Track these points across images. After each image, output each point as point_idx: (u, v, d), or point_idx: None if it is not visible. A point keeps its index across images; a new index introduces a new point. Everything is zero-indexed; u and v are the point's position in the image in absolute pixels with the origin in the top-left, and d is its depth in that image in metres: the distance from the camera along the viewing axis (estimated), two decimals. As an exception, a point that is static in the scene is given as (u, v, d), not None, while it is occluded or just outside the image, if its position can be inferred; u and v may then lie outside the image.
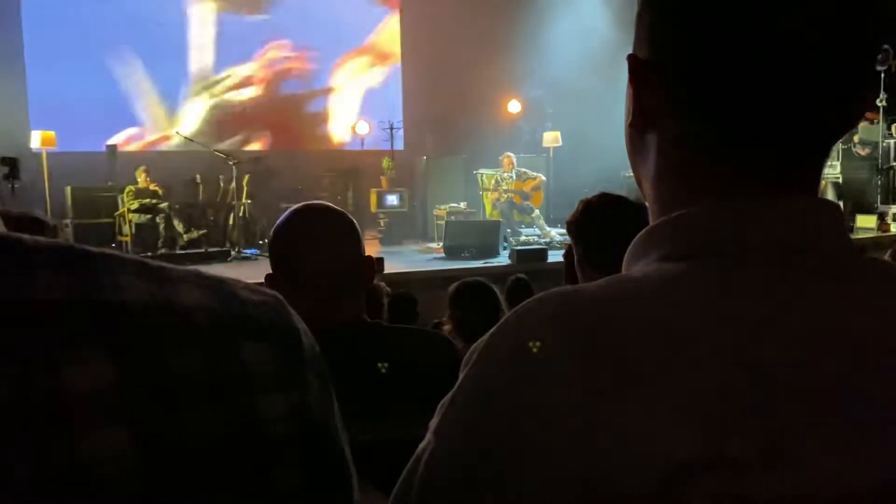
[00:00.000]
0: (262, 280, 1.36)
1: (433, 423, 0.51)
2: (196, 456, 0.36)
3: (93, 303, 0.36)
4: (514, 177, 9.68)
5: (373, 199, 10.32)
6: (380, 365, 1.26)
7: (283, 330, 0.43)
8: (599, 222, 1.60)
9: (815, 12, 0.47)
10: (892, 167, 9.64)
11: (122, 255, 0.40)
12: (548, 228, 9.47)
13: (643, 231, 0.55)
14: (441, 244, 8.74)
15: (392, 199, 10.22)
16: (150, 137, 11.77)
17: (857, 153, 9.67)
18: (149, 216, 8.80)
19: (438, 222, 9.87)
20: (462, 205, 10.14)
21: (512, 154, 9.86)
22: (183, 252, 8.60)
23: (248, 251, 8.87)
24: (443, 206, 10.05)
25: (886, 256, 2.75)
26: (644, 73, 0.54)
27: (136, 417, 0.35)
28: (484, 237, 8.45)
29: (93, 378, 0.35)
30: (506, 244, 8.70)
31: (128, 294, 0.38)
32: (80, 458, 0.33)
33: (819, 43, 0.47)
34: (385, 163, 10.77)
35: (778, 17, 0.47)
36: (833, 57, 0.48)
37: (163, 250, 8.55)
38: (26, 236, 0.37)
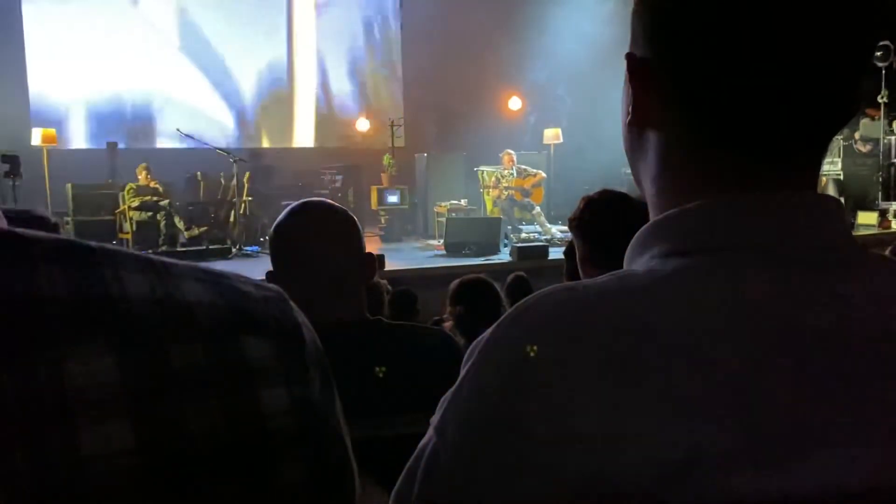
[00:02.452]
0: (263, 277, 1.36)
1: (434, 419, 0.51)
2: (199, 450, 0.37)
3: (95, 297, 0.37)
4: (515, 174, 9.67)
5: (373, 196, 10.31)
6: (380, 362, 1.26)
7: (285, 324, 0.43)
8: (602, 219, 1.60)
9: (810, 10, 0.47)
10: (893, 164, 9.61)
11: (123, 251, 0.40)
12: (549, 225, 9.46)
13: (643, 228, 0.55)
14: (442, 241, 8.73)
15: (393, 197, 10.21)
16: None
17: (859, 150, 9.64)
18: (149, 213, 8.80)
19: (439, 219, 9.86)
20: (463, 202, 10.12)
21: (512, 151, 9.86)
22: (184, 249, 8.59)
23: (249, 248, 8.87)
24: (443, 203, 10.04)
25: (887, 253, 2.75)
26: (642, 71, 0.54)
27: (138, 411, 0.35)
28: (484, 234, 8.44)
29: (95, 372, 0.35)
30: (506, 241, 8.69)
31: (130, 289, 0.38)
32: (82, 451, 0.33)
33: (815, 41, 0.47)
34: (386, 160, 10.76)
35: (773, 16, 0.47)
36: (829, 55, 0.48)
37: (164, 248, 8.54)
38: (28, 231, 0.38)
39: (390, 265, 6.95)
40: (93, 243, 0.39)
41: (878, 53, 8.31)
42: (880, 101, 9.08)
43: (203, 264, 0.44)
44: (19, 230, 0.38)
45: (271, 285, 0.45)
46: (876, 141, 9.55)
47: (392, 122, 11.34)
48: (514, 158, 9.78)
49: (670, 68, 0.52)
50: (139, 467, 0.35)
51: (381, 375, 1.25)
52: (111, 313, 0.37)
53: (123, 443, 0.34)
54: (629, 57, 0.55)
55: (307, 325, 0.45)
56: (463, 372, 0.50)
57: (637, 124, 0.56)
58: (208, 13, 12.22)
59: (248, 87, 12.67)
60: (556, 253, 7.35)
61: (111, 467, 0.34)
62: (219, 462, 0.37)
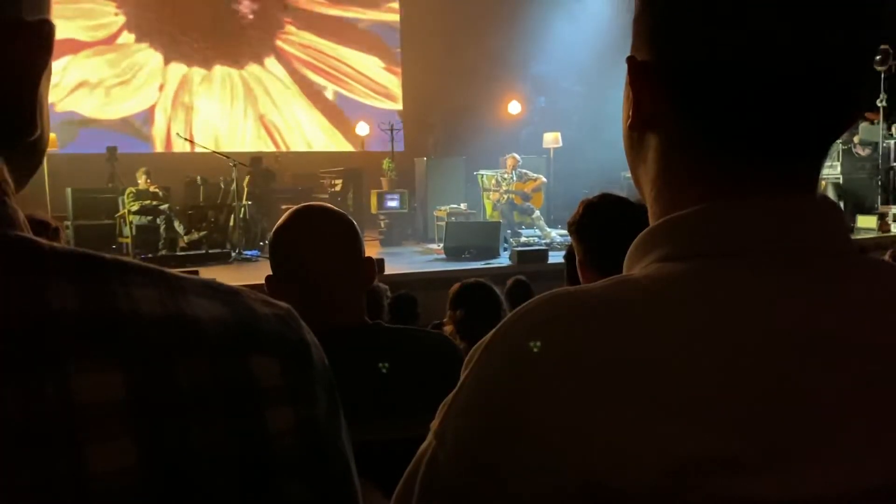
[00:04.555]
0: (263, 281, 1.36)
1: (434, 423, 0.51)
2: (203, 468, 0.36)
3: (104, 312, 0.36)
4: (515, 178, 9.68)
5: (373, 200, 10.32)
6: (381, 365, 1.26)
7: (294, 344, 0.43)
8: (601, 223, 1.60)
9: (811, 16, 0.47)
10: (892, 168, 9.61)
11: (136, 264, 0.40)
12: (548, 229, 9.46)
13: (643, 232, 0.55)
14: (441, 245, 8.73)
15: (392, 201, 10.22)
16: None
17: (858, 154, 9.63)
18: (149, 218, 8.80)
19: (439, 223, 9.86)
20: (462, 206, 10.12)
21: (517, 155, 9.87)
22: (183, 253, 8.59)
23: (249, 252, 8.87)
24: (443, 207, 10.04)
25: (886, 257, 2.75)
26: (643, 74, 0.54)
27: (144, 429, 0.35)
28: (484, 238, 8.45)
29: (102, 389, 0.34)
30: (506, 245, 8.69)
31: (140, 304, 0.38)
32: (86, 468, 0.33)
33: (816, 46, 0.47)
34: (385, 164, 10.77)
35: (774, 21, 0.47)
36: (830, 60, 0.48)
37: (163, 252, 8.54)
38: (44, 241, 0.37)
39: (390, 269, 6.94)
40: (106, 255, 0.39)
41: (877, 58, 8.31)
42: (879, 104, 9.08)
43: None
44: (36, 239, 0.37)
45: (283, 304, 0.45)
46: (875, 145, 9.55)
47: (392, 125, 11.35)
48: (518, 161, 9.78)
49: (671, 71, 0.52)
50: (142, 485, 0.34)
51: (380, 380, 1.25)
52: (119, 329, 0.36)
53: (127, 460, 0.34)
54: (630, 60, 0.55)
55: (316, 344, 0.45)
56: (463, 376, 0.50)
57: (637, 128, 0.56)
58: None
59: (247, 90, 12.68)
60: (555, 257, 7.35)
61: (114, 485, 0.34)
62: (222, 480, 0.37)
